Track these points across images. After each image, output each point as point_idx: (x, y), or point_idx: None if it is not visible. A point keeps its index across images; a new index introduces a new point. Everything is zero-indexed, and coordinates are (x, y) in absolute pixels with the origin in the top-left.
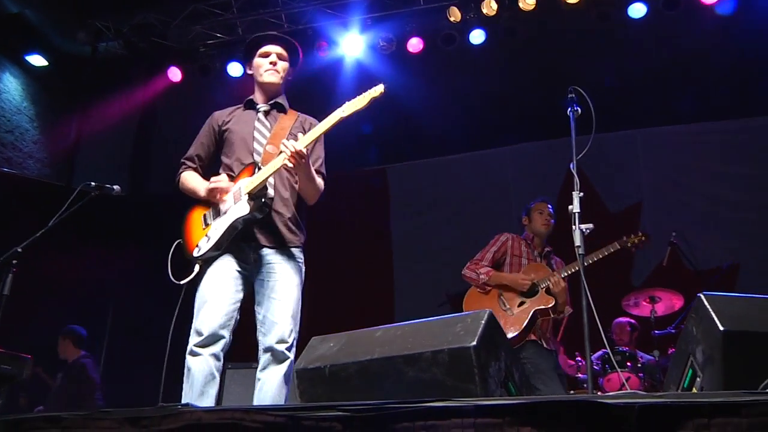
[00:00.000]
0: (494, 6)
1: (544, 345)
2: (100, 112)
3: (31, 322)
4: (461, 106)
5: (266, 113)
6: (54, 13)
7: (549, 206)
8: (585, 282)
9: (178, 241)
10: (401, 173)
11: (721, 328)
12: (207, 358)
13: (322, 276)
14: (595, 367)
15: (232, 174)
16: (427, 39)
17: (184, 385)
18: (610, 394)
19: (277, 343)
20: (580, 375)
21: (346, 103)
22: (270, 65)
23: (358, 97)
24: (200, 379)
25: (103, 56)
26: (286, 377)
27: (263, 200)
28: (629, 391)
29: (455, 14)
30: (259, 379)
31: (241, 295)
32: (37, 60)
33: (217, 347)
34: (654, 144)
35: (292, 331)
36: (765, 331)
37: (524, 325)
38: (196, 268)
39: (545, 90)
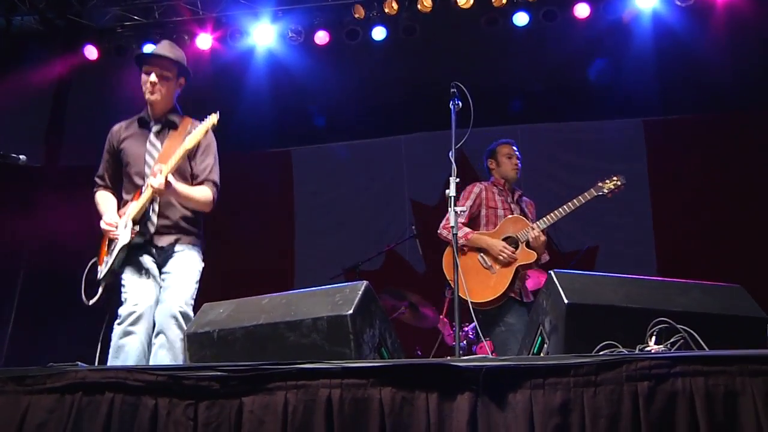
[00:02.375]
0: (395, 6)
1: (523, 299)
2: (14, 84)
3: None
4: (363, 96)
5: (157, 133)
6: None
7: (515, 148)
8: (457, 259)
9: (93, 260)
10: (305, 155)
11: (566, 301)
12: (140, 337)
13: (226, 248)
14: (470, 336)
15: (129, 196)
16: (332, 32)
17: (111, 362)
18: (463, 358)
19: (171, 315)
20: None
21: (188, 137)
22: (150, 86)
23: (197, 129)
24: (133, 356)
25: (18, 30)
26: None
27: (143, 223)
28: (479, 355)
29: (359, 11)
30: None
31: (159, 285)
32: None
33: (149, 328)
34: (532, 138)
35: (183, 304)
36: (602, 304)
37: (508, 284)
38: (100, 289)
39: (438, 84)
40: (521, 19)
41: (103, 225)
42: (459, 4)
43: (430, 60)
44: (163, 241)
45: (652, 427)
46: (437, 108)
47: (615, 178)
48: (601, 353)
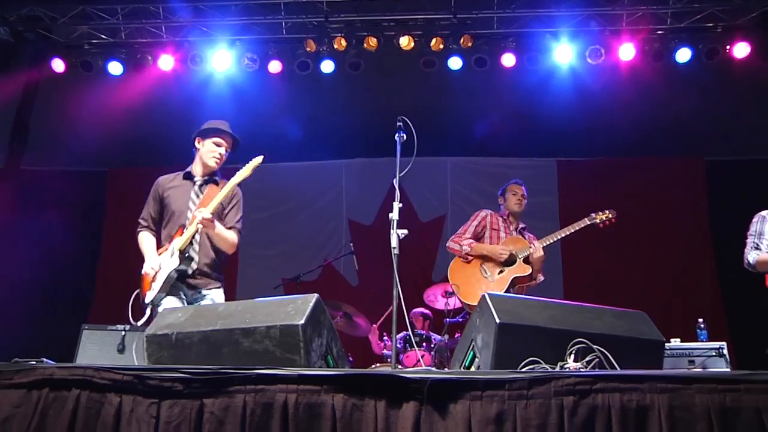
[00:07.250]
0: (344, 43)
1: None
2: None
3: None
4: (309, 122)
5: (201, 186)
6: None
7: (523, 187)
8: (397, 276)
9: (137, 291)
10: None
11: (497, 321)
12: None
13: None
14: (398, 345)
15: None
16: (285, 63)
17: None
18: (408, 369)
19: None
20: (386, 351)
21: (236, 173)
22: (219, 155)
23: (243, 168)
24: None
25: None
26: None
27: (187, 255)
28: (424, 367)
29: (311, 45)
30: None
31: None
32: None
33: None
34: (459, 170)
35: None
36: (528, 324)
37: (504, 290)
38: (148, 311)
39: (378, 116)
40: (455, 63)
41: (146, 268)
42: (401, 46)
43: (372, 94)
44: (200, 282)
45: None
46: (376, 137)
47: (608, 212)
48: (527, 369)
